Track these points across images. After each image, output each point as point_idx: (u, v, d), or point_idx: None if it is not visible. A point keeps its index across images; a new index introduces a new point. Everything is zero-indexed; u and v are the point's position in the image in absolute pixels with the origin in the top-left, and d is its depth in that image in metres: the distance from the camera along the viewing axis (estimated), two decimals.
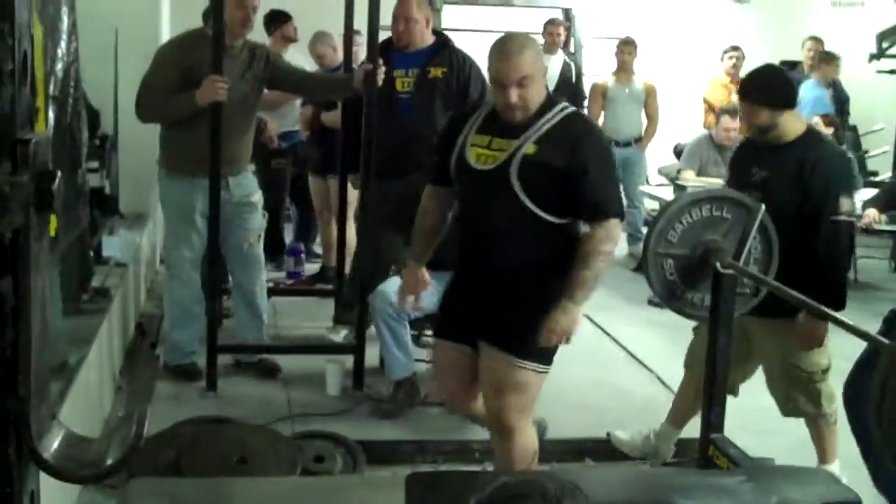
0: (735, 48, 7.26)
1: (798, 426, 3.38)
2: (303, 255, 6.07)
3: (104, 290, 4.12)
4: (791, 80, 3.48)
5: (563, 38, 7.29)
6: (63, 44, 3.56)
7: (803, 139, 3.22)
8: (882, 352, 2.21)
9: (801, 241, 3.08)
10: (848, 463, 3.14)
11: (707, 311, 3.01)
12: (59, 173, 1.14)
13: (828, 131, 6.37)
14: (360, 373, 4.12)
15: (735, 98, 6.99)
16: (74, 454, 1.24)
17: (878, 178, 7.28)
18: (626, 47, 7.13)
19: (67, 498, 2.97)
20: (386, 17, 4.15)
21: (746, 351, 3.30)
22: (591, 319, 5.42)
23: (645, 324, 5.31)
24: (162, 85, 3.93)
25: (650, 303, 5.38)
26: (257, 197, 4.29)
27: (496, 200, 2.68)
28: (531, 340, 2.67)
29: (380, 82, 4.01)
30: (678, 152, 7.15)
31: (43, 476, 1.32)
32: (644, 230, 6.27)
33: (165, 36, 5.67)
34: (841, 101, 7.50)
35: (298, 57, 5.59)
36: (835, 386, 3.19)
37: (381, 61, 4.00)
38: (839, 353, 3.19)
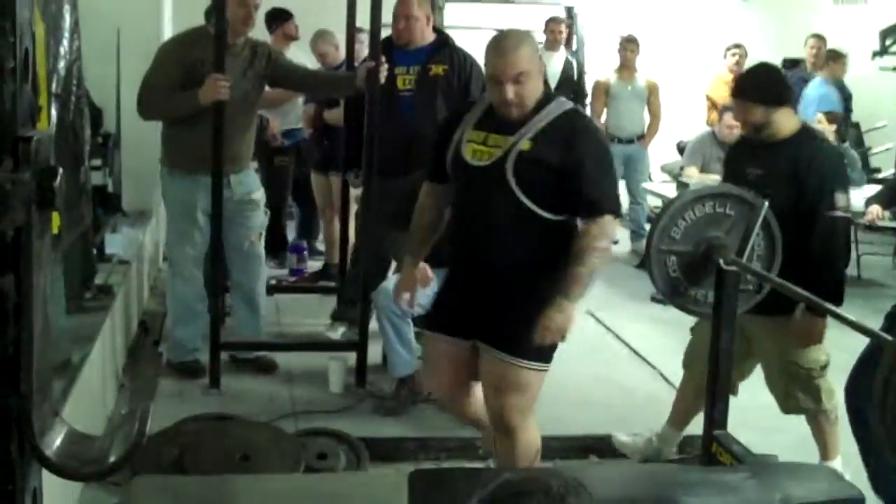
0: (738, 45, 7.26)
1: (800, 423, 3.38)
2: (305, 253, 6.07)
3: (107, 288, 4.13)
4: (785, 77, 3.49)
5: (564, 35, 7.28)
6: (65, 42, 3.56)
7: (797, 137, 3.22)
8: (885, 348, 2.21)
9: (798, 238, 3.08)
10: (850, 459, 3.14)
11: (710, 308, 3.01)
12: (60, 170, 1.14)
13: (831, 128, 6.36)
14: (362, 370, 4.12)
15: None
16: (77, 451, 1.24)
17: (881, 175, 7.28)
18: (629, 45, 7.12)
19: (70, 496, 2.97)
20: (387, 15, 4.14)
21: (745, 350, 3.30)
22: (594, 316, 5.42)
23: (648, 320, 5.30)
24: (164, 83, 3.93)
25: (653, 300, 5.37)
26: (259, 195, 4.29)
27: (492, 197, 2.67)
28: (530, 340, 2.65)
29: (382, 80, 4.00)
30: (681, 149, 7.15)
31: (45, 473, 1.32)
32: (647, 227, 6.28)
33: (167, 34, 5.67)
34: (844, 98, 7.49)
35: (300, 55, 5.58)
36: (836, 382, 3.18)
37: (383, 59, 4.00)
38: (842, 350, 3.19)
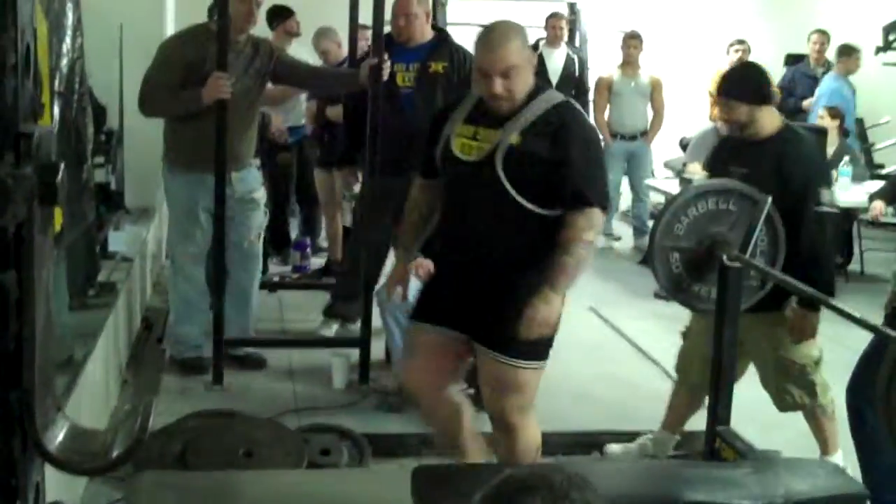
0: (741, 41, 7.24)
1: (802, 419, 3.38)
2: (309, 250, 6.07)
3: (110, 285, 4.13)
4: (767, 76, 3.49)
5: (565, 31, 7.27)
6: (68, 40, 3.56)
7: (780, 135, 3.23)
8: (889, 344, 2.21)
9: (785, 234, 3.08)
10: (851, 454, 3.13)
11: (713, 304, 3.01)
12: (62, 166, 1.14)
13: (833, 124, 6.35)
14: (365, 366, 4.11)
15: None
16: (79, 446, 1.24)
17: (884, 171, 7.26)
18: (632, 41, 7.11)
19: (74, 491, 2.97)
20: (386, 12, 4.13)
21: (738, 350, 3.29)
22: (597, 313, 5.42)
23: (651, 317, 5.30)
24: (165, 80, 3.93)
25: (656, 296, 5.37)
26: (260, 194, 4.29)
27: (482, 192, 2.63)
28: (525, 340, 2.62)
29: (385, 77, 4.00)
30: (684, 146, 7.14)
31: (49, 468, 1.32)
32: (650, 224, 6.27)
33: (170, 31, 5.67)
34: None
35: (302, 52, 5.58)
36: (839, 378, 3.17)
37: (385, 56, 4.00)
38: (845, 346, 3.19)
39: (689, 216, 3.10)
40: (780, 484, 2.46)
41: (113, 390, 3.86)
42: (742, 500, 2.34)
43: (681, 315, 3.54)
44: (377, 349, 4.20)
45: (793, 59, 8.06)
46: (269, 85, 4.33)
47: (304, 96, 5.86)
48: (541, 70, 7.04)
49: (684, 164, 6.43)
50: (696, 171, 6.07)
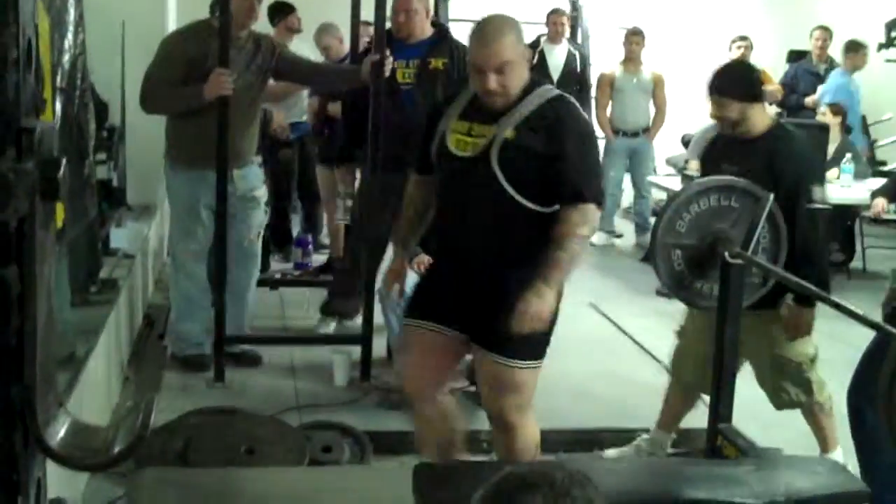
0: (743, 38, 7.22)
1: (803, 417, 3.38)
2: (310, 247, 6.07)
3: (112, 282, 4.14)
4: (758, 74, 3.49)
5: (566, 27, 7.27)
6: (70, 36, 3.56)
7: (771, 132, 3.24)
8: (892, 340, 2.20)
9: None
10: (852, 451, 3.12)
11: (715, 301, 3.00)
12: (64, 161, 1.14)
13: (836, 120, 6.35)
14: (367, 363, 4.11)
15: None
16: (81, 442, 1.24)
17: (886, 168, 7.25)
18: (634, 37, 7.11)
19: (75, 487, 2.98)
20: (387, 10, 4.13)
21: None
22: (598, 309, 5.42)
23: (653, 314, 5.29)
24: (167, 77, 3.92)
25: (658, 293, 5.36)
26: (261, 192, 4.28)
27: (478, 189, 2.61)
28: (522, 340, 2.60)
29: (387, 73, 4.00)
30: (686, 142, 7.13)
31: (50, 464, 1.32)
32: (652, 220, 6.26)
33: (172, 27, 5.67)
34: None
35: (304, 48, 5.58)
36: (841, 376, 3.17)
37: (388, 52, 3.99)
38: (846, 343, 3.18)
39: (692, 213, 3.09)
40: (782, 481, 2.46)
41: (115, 387, 3.86)
42: (743, 498, 2.34)
43: (683, 312, 3.54)
44: (379, 346, 4.20)
45: (795, 56, 8.05)
46: (271, 81, 4.33)
47: (305, 93, 5.86)
48: (542, 66, 7.05)
49: (686, 161, 6.42)
50: (699, 168, 6.08)
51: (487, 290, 2.62)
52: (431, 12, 4.37)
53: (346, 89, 4.70)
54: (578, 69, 7.23)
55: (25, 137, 1.11)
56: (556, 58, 7.15)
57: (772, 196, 3.00)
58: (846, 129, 6.60)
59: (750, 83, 3.28)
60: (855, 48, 7.15)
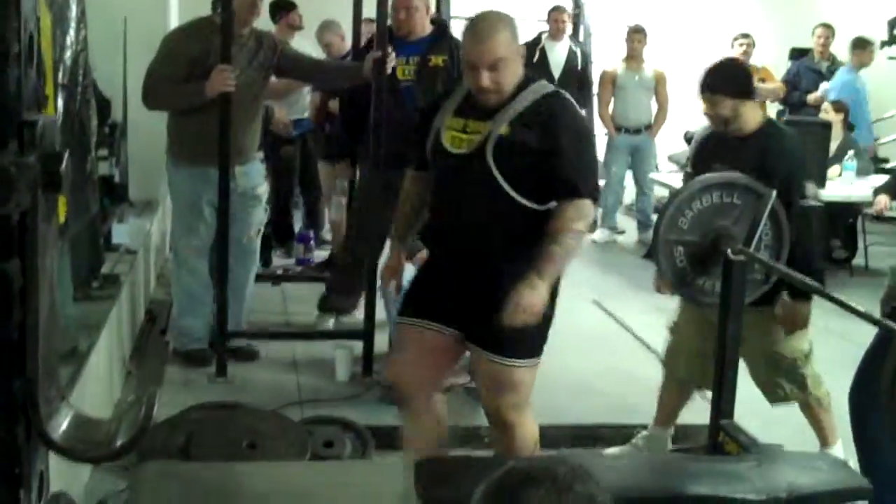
0: (745, 35, 7.22)
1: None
2: (312, 242, 6.07)
3: (114, 277, 4.14)
4: (749, 70, 3.48)
5: (567, 24, 7.26)
6: (72, 32, 3.56)
7: (762, 130, 3.23)
8: (894, 338, 2.20)
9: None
10: (852, 446, 3.12)
11: (717, 298, 3.00)
12: (66, 154, 1.14)
13: (838, 118, 6.34)
14: (369, 358, 4.12)
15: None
16: (83, 435, 1.24)
17: (888, 165, 7.24)
18: (636, 34, 7.10)
19: (78, 480, 2.98)
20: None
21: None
22: (600, 306, 5.42)
23: (654, 311, 5.26)
24: (169, 74, 3.92)
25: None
26: (262, 189, 4.29)
27: (473, 186, 2.59)
28: (519, 338, 2.59)
29: (390, 70, 4.00)
30: (688, 139, 7.11)
31: (52, 458, 1.32)
32: (654, 217, 6.26)
33: (174, 24, 5.66)
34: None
35: (305, 45, 5.58)
36: (843, 373, 3.16)
37: (390, 49, 3.99)
38: (849, 341, 3.18)
39: (694, 210, 3.09)
40: (784, 478, 2.46)
41: (117, 382, 3.87)
42: (745, 494, 2.34)
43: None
44: (381, 341, 4.20)
45: (797, 53, 8.03)
46: (273, 79, 4.33)
47: (307, 89, 5.85)
48: (543, 63, 7.04)
49: (688, 158, 6.42)
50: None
51: (483, 289, 2.60)
52: (432, 9, 4.36)
53: (347, 86, 4.70)
54: (580, 66, 7.22)
55: (27, 131, 1.11)
56: (558, 55, 7.14)
57: (774, 193, 3.00)
58: (848, 126, 6.59)
59: (742, 80, 3.28)
60: (862, 45, 7.13)
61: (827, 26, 7.51)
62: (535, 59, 7.03)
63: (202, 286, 4.19)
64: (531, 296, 2.50)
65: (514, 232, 2.60)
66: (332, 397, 3.87)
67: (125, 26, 5.21)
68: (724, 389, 2.94)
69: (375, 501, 2.57)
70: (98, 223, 4.14)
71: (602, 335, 4.98)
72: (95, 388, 3.29)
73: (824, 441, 3.36)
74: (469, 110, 2.64)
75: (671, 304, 3.70)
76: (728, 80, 3.24)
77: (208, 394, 3.82)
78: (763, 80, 7.15)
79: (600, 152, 7.70)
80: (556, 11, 7.17)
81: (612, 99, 7.20)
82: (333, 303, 4.65)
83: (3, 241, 1.10)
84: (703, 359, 3.35)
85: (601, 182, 7.46)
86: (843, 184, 6.11)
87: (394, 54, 4.01)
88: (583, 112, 7.44)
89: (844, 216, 6.56)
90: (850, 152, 6.23)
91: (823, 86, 7.16)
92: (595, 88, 7.40)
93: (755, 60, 7.20)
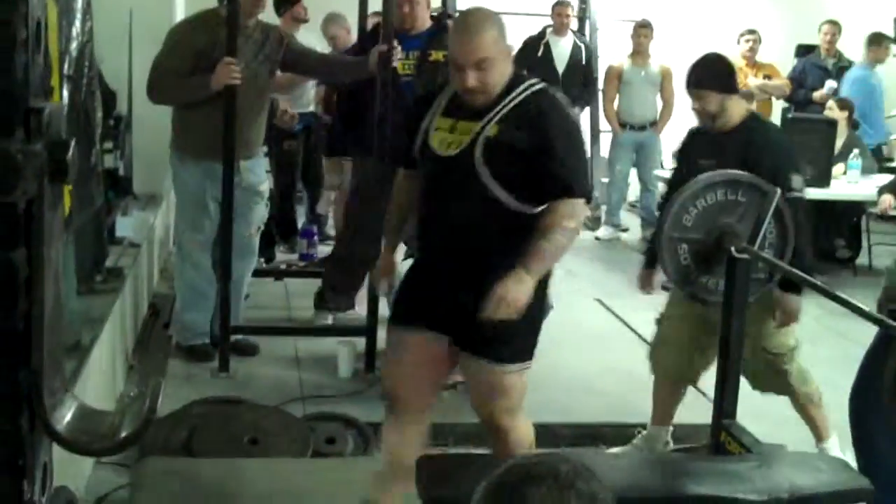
0: (752, 31, 7.19)
1: None
2: (316, 238, 6.06)
3: (117, 270, 4.14)
4: (733, 65, 3.47)
5: (571, 19, 7.25)
6: (77, 23, 3.55)
7: (745, 124, 3.24)
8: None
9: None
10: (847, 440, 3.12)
11: (721, 296, 2.99)
12: (73, 143, 1.13)
13: (842, 115, 6.32)
14: (371, 355, 4.11)
15: (751, 82, 6.96)
16: (87, 427, 1.23)
17: (893, 164, 7.23)
18: (643, 30, 7.09)
19: (80, 475, 2.98)
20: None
21: (711, 342, 3.29)
22: (603, 304, 5.41)
23: (657, 309, 5.28)
24: (174, 67, 3.91)
25: (663, 288, 5.34)
26: (265, 187, 4.28)
27: (462, 190, 2.51)
28: (510, 343, 2.55)
29: (395, 64, 3.99)
30: None
31: (55, 452, 1.32)
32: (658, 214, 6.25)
33: (180, 16, 5.66)
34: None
35: (310, 38, 5.57)
36: (845, 372, 3.15)
37: (395, 43, 3.99)
38: (852, 340, 3.18)
39: (698, 207, 3.09)
40: (785, 478, 2.46)
41: (119, 375, 3.87)
42: (747, 494, 2.34)
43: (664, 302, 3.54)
44: (383, 338, 4.18)
45: (804, 50, 8.00)
46: (278, 72, 4.32)
47: (311, 83, 5.85)
48: (547, 58, 7.03)
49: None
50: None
51: (472, 293, 2.49)
52: (432, 3, 4.35)
53: (351, 81, 4.70)
54: (584, 61, 7.21)
55: (34, 118, 1.10)
56: (562, 50, 7.13)
57: (778, 191, 2.99)
58: (853, 124, 6.57)
59: (727, 74, 3.29)
60: (878, 41, 7.10)
61: (833, 23, 7.48)
62: (539, 55, 7.03)
63: (206, 281, 4.19)
64: (516, 290, 2.43)
65: (504, 235, 2.52)
66: (334, 393, 3.87)
67: (131, 18, 5.20)
68: (726, 389, 2.94)
69: None
70: (102, 216, 4.13)
71: (604, 333, 4.97)
72: (98, 382, 3.29)
73: (819, 436, 3.37)
74: (457, 110, 2.57)
75: None
76: (714, 76, 3.24)
77: (211, 389, 3.82)
78: (769, 77, 7.13)
79: (603, 150, 7.72)
80: (559, 6, 7.15)
81: (618, 95, 7.18)
82: (329, 300, 4.63)
83: (8, 230, 1.09)
84: (691, 353, 3.36)
85: (604, 179, 7.51)
86: (848, 182, 6.10)
87: (399, 48, 4.01)
88: (587, 108, 7.51)
89: (848, 215, 6.54)
90: (855, 151, 6.21)
91: (829, 83, 7.13)
92: (600, 84, 7.39)
93: (761, 57, 7.19)
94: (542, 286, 2.56)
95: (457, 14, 4.78)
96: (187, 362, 4.12)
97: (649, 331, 4.90)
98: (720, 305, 3.02)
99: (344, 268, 4.56)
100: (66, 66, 3.30)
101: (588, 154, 3.05)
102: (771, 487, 2.38)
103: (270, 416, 3.47)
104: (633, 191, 7.73)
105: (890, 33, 7.35)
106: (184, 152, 4.09)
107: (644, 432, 3.55)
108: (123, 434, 1.22)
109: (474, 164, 2.48)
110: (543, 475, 1.21)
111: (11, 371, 1.16)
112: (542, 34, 7.16)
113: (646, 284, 3.61)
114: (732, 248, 2.89)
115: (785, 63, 7.79)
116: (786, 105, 7.69)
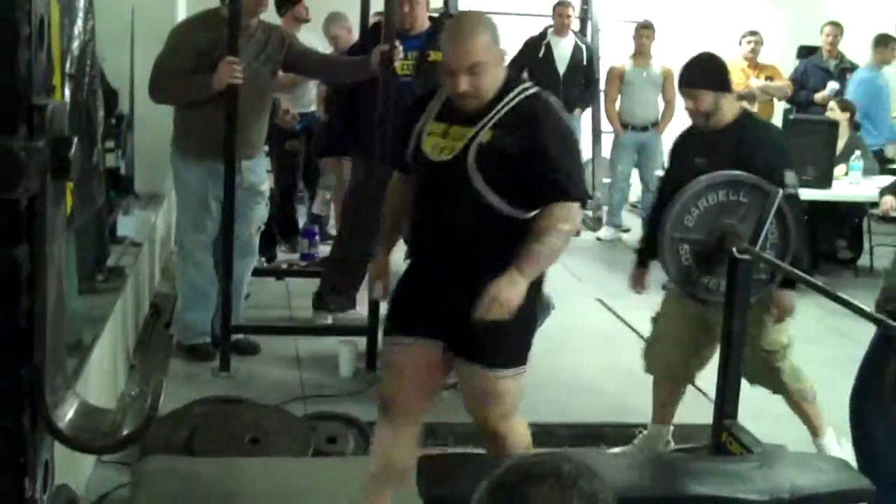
0: (753, 33, 7.19)
1: None
2: (317, 237, 6.06)
3: (119, 270, 4.14)
4: (726, 64, 3.46)
5: (573, 20, 7.25)
6: (80, 22, 3.55)
7: (737, 121, 3.24)
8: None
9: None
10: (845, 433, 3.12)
11: (722, 297, 2.99)
12: (75, 140, 1.13)
13: (844, 116, 6.31)
14: (373, 354, 4.11)
15: (753, 84, 6.96)
16: (89, 424, 1.23)
17: (895, 166, 7.22)
18: (644, 31, 7.08)
19: (81, 474, 2.98)
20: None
21: (706, 340, 3.29)
22: (604, 304, 5.41)
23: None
24: (176, 66, 3.91)
25: (665, 288, 5.34)
26: (266, 187, 4.29)
27: (455, 195, 2.49)
28: (504, 349, 2.53)
29: (396, 64, 3.99)
30: None
31: (57, 450, 1.32)
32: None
33: (181, 15, 5.66)
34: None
35: (312, 37, 5.57)
36: (846, 372, 3.15)
37: (397, 43, 3.99)
38: (852, 339, 3.17)
39: (700, 207, 3.09)
40: (786, 478, 2.46)
41: (121, 375, 3.87)
42: (748, 495, 2.34)
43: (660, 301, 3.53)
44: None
45: (805, 51, 8.00)
46: (279, 72, 4.32)
47: (312, 83, 5.84)
48: (548, 59, 7.03)
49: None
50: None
51: (465, 299, 2.47)
52: (433, 3, 4.35)
53: (352, 81, 4.70)
54: (585, 62, 7.21)
55: (37, 115, 1.10)
56: (563, 51, 7.12)
57: (780, 192, 2.99)
58: (855, 125, 6.57)
59: (721, 73, 3.29)
60: (884, 42, 7.09)
61: (835, 24, 7.48)
62: (540, 55, 7.03)
63: (207, 281, 4.19)
64: (509, 291, 2.41)
65: (496, 240, 2.50)
66: (335, 393, 3.87)
67: (133, 17, 5.20)
68: (727, 389, 2.94)
69: None
70: (104, 215, 4.13)
71: (605, 333, 4.97)
72: (99, 381, 3.29)
73: (814, 432, 3.38)
74: (449, 115, 2.55)
75: None
76: (707, 74, 3.25)
77: (212, 388, 3.82)
78: (770, 78, 7.12)
79: (605, 150, 7.72)
80: (560, 7, 7.15)
81: (619, 96, 7.18)
82: (329, 300, 4.63)
83: (11, 227, 1.09)
84: (686, 351, 3.36)
85: (606, 180, 7.50)
86: (850, 183, 6.09)
87: (401, 48, 4.01)
88: (589, 109, 7.50)
89: (850, 216, 6.54)
90: (857, 152, 6.21)
91: (831, 84, 7.13)
92: (602, 85, 7.39)
93: (763, 58, 7.18)
94: (534, 289, 2.54)
95: (440, 14, 4.81)
96: (188, 361, 4.13)
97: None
98: (719, 305, 3.02)
99: (343, 267, 4.56)
100: (68, 65, 3.30)
101: (583, 157, 3.04)
102: (772, 488, 2.39)
103: (271, 416, 3.48)
104: (635, 191, 7.72)
105: (892, 34, 7.34)
106: (185, 152, 4.09)
107: (645, 432, 3.55)
108: (125, 432, 1.22)
109: (467, 169, 2.46)
110: (545, 474, 1.21)
111: (13, 368, 1.15)
112: (543, 35, 7.16)
113: (637, 284, 3.61)
114: (734, 249, 2.88)
115: (786, 64, 7.79)
116: (787, 106, 7.68)
